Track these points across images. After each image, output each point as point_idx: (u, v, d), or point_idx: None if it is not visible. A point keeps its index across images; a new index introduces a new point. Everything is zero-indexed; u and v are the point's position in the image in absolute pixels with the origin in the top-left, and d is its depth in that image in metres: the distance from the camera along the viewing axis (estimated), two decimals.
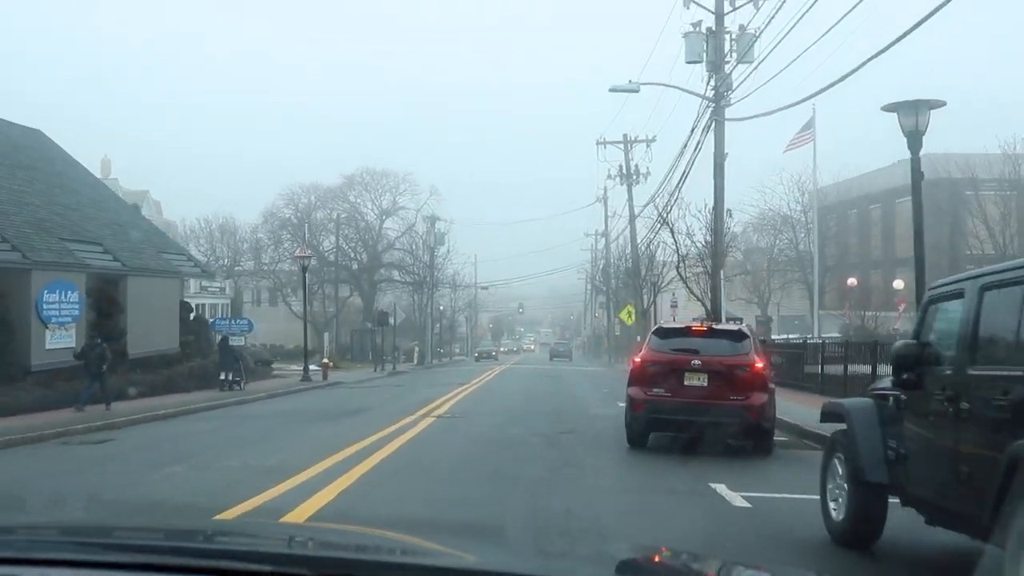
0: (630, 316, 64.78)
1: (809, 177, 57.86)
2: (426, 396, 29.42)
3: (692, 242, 34.76)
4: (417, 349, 72.84)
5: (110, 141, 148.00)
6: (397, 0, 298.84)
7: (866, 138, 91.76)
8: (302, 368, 43.67)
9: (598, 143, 58.95)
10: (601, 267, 76.93)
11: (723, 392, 15.15)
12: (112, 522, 4.37)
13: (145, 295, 31.85)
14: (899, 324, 47.85)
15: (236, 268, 75.68)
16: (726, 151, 30.34)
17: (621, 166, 58.42)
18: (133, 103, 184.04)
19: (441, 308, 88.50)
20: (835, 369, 27.93)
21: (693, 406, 15.09)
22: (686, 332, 16.66)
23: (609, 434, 18.60)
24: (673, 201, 35.38)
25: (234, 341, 40.00)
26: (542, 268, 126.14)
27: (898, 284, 49.66)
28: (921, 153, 16.97)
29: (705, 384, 15.30)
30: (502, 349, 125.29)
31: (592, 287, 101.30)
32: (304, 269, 42.49)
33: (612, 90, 30.84)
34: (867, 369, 27.08)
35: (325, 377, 42.72)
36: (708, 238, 34.45)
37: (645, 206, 48.20)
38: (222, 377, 34.28)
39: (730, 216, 34.77)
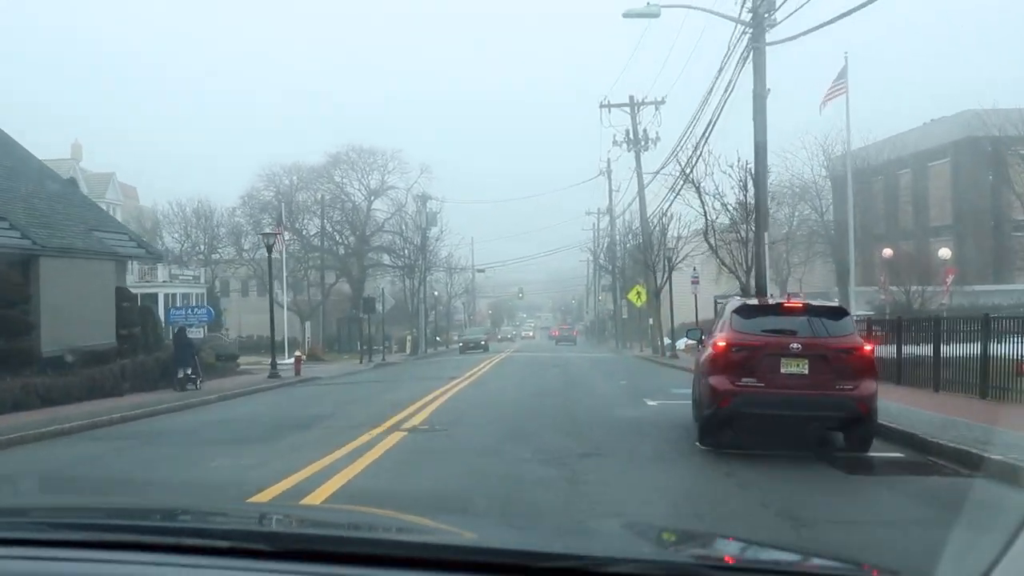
0: (639, 297, 59.02)
1: (836, 138, 52.09)
2: (406, 395, 23.66)
3: (723, 204, 28.96)
4: (410, 338, 67.05)
5: (96, 130, 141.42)
6: None
7: (889, 104, 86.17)
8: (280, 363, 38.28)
9: (602, 106, 53.15)
10: (606, 245, 70.94)
11: (828, 380, 13.05)
12: (68, 502, 4.12)
13: (66, 280, 26.07)
14: (947, 298, 42.07)
15: (214, 256, 69.79)
16: (767, 86, 24.58)
17: (628, 131, 52.54)
18: (118, 94, 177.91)
19: (436, 294, 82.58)
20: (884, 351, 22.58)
21: (793, 398, 13.05)
22: (776, 310, 14.54)
23: (647, 454, 12.98)
24: (698, 156, 29.56)
25: (192, 333, 34.39)
26: (542, 249, 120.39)
27: (944, 253, 43.86)
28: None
29: (806, 371, 13.18)
30: (499, 337, 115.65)
31: (596, 268, 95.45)
32: (270, 248, 36.67)
33: (626, 15, 25.00)
34: (925, 351, 21.78)
35: (298, 373, 36.96)
36: (743, 198, 28.68)
37: (659, 170, 42.51)
38: (179, 375, 28.82)
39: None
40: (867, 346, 13.84)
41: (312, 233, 73.65)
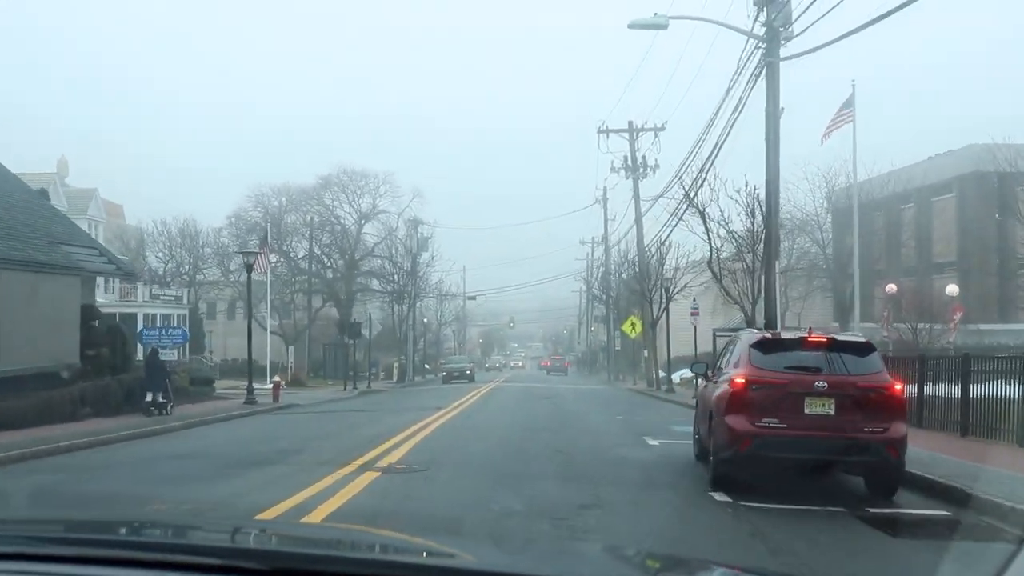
0: (634, 328, 57.21)
1: (840, 170, 50.59)
2: (386, 428, 21.78)
3: (729, 231, 27.22)
4: (397, 366, 65.05)
5: (86, 147, 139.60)
6: (363, 4, 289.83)
7: (890, 139, 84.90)
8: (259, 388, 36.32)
9: (600, 132, 51.56)
10: (600, 275, 69.25)
11: (856, 422, 12.09)
12: (62, 516, 4.13)
13: (20, 296, 24.16)
14: (954, 336, 40.30)
15: (199, 277, 67.84)
16: (781, 105, 22.92)
17: (626, 157, 50.93)
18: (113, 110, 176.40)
19: (425, 320, 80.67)
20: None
21: (818, 440, 11.99)
22: (799, 345, 13.22)
23: (656, 506, 11.27)
24: (703, 180, 27.84)
25: (165, 355, 32.51)
26: (535, 278, 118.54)
27: (951, 290, 42.13)
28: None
29: (832, 412, 12.18)
30: (486, 366, 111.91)
31: (589, 298, 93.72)
32: (249, 268, 34.88)
33: (632, 26, 23.33)
34: (948, 390, 20.01)
35: (276, 399, 34.97)
36: (750, 225, 26.97)
37: (659, 196, 40.76)
38: (148, 399, 26.94)
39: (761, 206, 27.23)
40: (897, 384, 12.66)
41: (300, 256, 71.76)
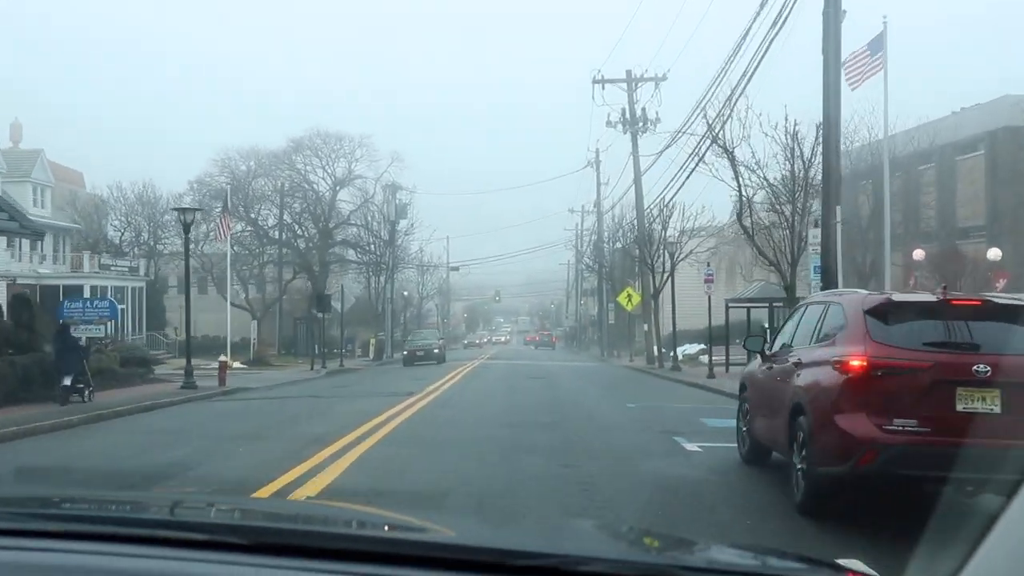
0: (630, 300, 52.06)
1: (860, 124, 45.33)
2: (335, 424, 16.55)
3: (762, 178, 21.98)
4: (374, 342, 59.74)
5: (47, 114, 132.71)
6: None
7: (910, 93, 79.11)
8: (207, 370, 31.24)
9: (595, 82, 46.17)
10: (592, 244, 63.87)
11: None
12: (49, 493, 3.96)
13: None
14: None
15: (159, 247, 62.22)
16: (843, 8, 17.68)
17: (624, 110, 45.60)
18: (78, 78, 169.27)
19: (406, 294, 75.31)
20: None
21: (978, 452, 7.74)
22: (940, 311, 8.90)
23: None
24: (729, 112, 22.55)
25: (87, 331, 27.17)
26: (522, 248, 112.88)
27: (994, 254, 37.06)
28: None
29: (998, 409, 8.21)
30: (465, 342, 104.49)
31: (579, 270, 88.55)
32: (187, 228, 29.35)
33: None
34: None
35: (222, 383, 29.65)
36: (789, 168, 21.76)
37: (673, 139, 35.44)
38: (66, 383, 21.87)
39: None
40: None
41: (271, 224, 66.19)
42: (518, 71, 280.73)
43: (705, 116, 23.98)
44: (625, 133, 45.50)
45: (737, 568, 2.36)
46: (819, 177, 22.81)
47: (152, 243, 62.20)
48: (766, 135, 21.27)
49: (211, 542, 2.15)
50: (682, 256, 39.32)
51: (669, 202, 40.20)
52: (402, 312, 75.23)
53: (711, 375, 31.00)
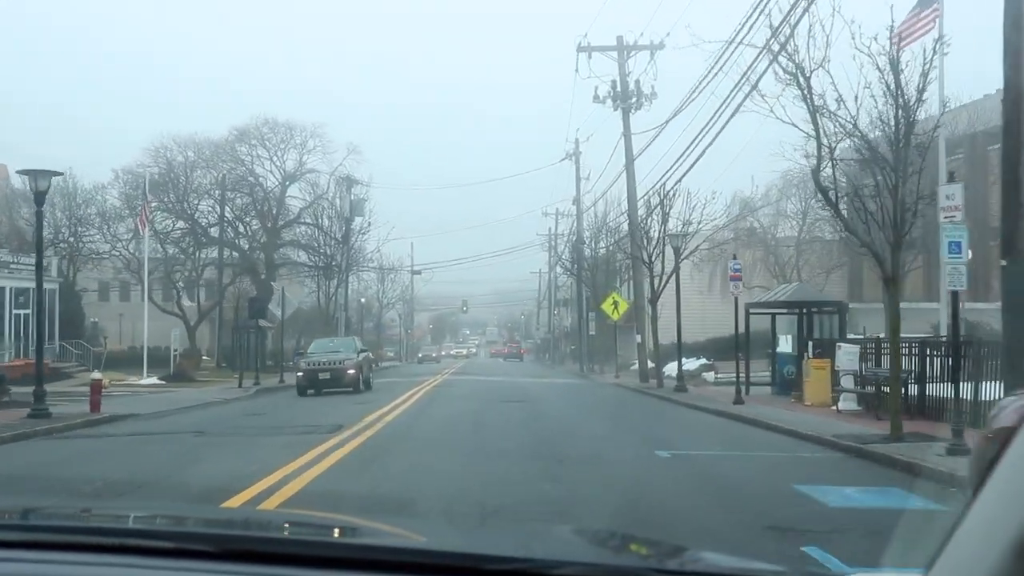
0: (616, 308, 44.76)
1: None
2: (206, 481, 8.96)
3: (852, 120, 14.62)
4: None
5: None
6: None
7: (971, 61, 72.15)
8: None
9: (580, 49, 38.86)
10: (569, 244, 56.47)
11: None
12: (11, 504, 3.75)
13: None
14: None
15: (80, 244, 54.07)
16: None
17: (614, 82, 38.31)
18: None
19: (363, 300, 67.54)
20: None
21: None
22: None
23: None
24: (796, 24, 15.27)
25: None
26: (491, 253, 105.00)
27: None
28: None
29: None
30: (420, 355, 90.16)
31: (552, 276, 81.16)
32: (39, 197, 21.47)
33: None
34: None
35: (95, 409, 21.84)
36: (893, 106, 14.43)
37: (680, 108, 28.27)
38: None
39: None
40: None
41: (211, 222, 58.23)
42: (489, 57, 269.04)
43: (770, 23, 16.57)
44: (615, 110, 38.21)
45: (713, 570, 2.32)
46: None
47: (73, 240, 54.03)
48: (857, 49, 13.95)
49: (179, 550, 2.14)
50: (688, 253, 32.09)
51: (672, 189, 33.01)
52: (359, 321, 67.47)
53: (738, 399, 23.69)
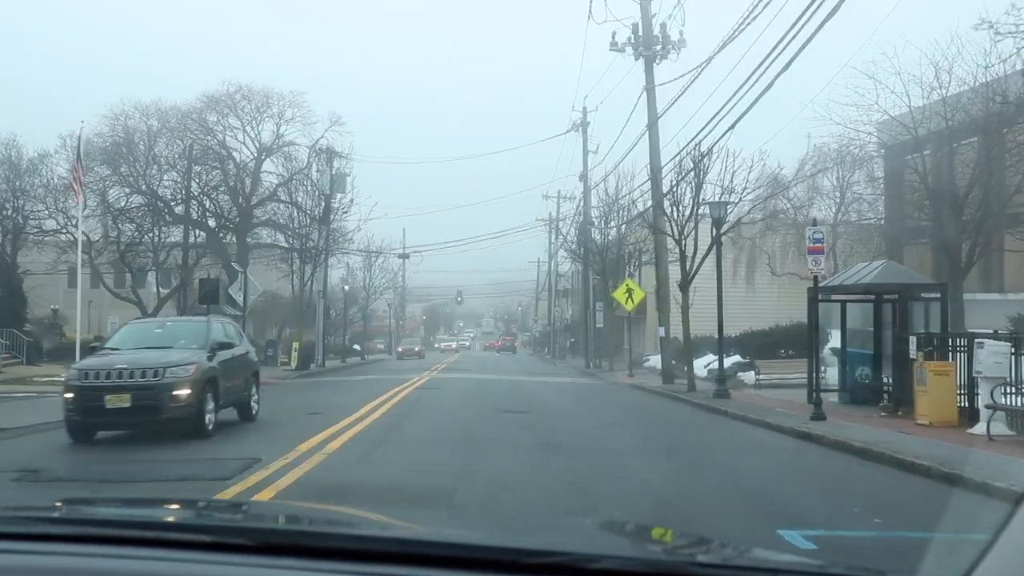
0: (630, 297, 38.42)
1: (953, 58, 31.99)
2: None
3: None
4: (297, 347, 45.32)
5: None
6: None
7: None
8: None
9: None
10: (575, 224, 49.85)
11: None
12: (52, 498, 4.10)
13: None
14: None
15: (23, 220, 47.40)
16: None
17: (635, 26, 31.77)
18: None
19: (347, 288, 60.92)
20: None
21: None
22: None
23: None
24: None
25: None
26: (487, 245, 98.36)
27: None
28: None
29: None
30: (399, 349, 73.93)
31: (552, 266, 74.66)
32: None
33: None
34: None
35: None
36: None
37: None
38: None
39: None
40: None
41: (176, 199, 51.56)
42: (485, 13, 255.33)
43: None
44: (636, 58, 31.65)
45: (749, 564, 2.29)
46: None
47: (18, 217, 47.40)
48: None
49: (217, 544, 2.15)
50: (729, 226, 25.68)
51: (710, 150, 26.51)
52: (343, 310, 60.85)
53: (818, 414, 17.26)
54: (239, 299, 36.03)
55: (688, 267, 27.09)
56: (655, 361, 45.65)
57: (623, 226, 42.57)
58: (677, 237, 27.10)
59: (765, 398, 24.60)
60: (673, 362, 36.55)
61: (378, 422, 17.27)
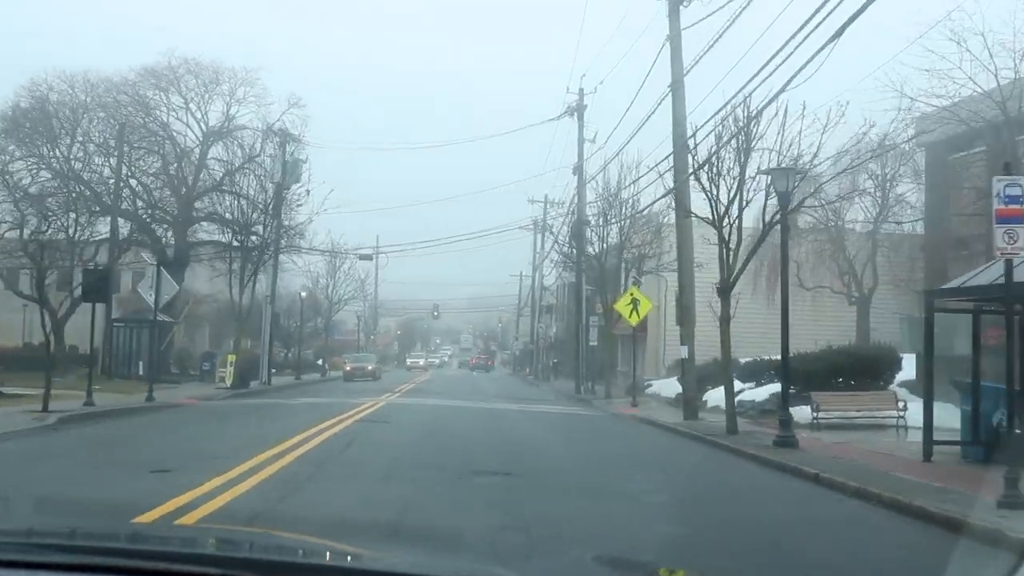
0: (635, 311, 31.02)
1: None
2: None
3: None
4: (233, 361, 37.38)
5: None
6: None
7: None
8: None
9: None
10: (568, 224, 42.20)
11: None
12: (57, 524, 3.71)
13: None
14: None
15: None
16: None
17: None
18: None
19: (303, 295, 53.01)
20: None
21: None
22: None
23: None
24: None
25: None
26: (467, 252, 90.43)
27: None
28: None
29: None
30: (348, 367, 55.22)
31: (536, 278, 67.16)
32: None
33: None
34: None
35: None
36: None
37: None
38: None
39: None
40: None
41: (95, 179, 43.67)
42: None
43: None
44: None
45: None
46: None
47: None
48: None
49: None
50: (800, 201, 18.20)
51: (761, 111, 19.03)
52: (297, 320, 52.90)
53: (1012, 496, 9.71)
54: (150, 299, 28.26)
55: (731, 262, 19.55)
56: (659, 387, 38.19)
57: (627, 223, 35.05)
58: (716, 222, 19.55)
59: (844, 447, 17.11)
60: (749, 391, 28.98)
61: (242, 500, 9.57)
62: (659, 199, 27.01)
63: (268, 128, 44.43)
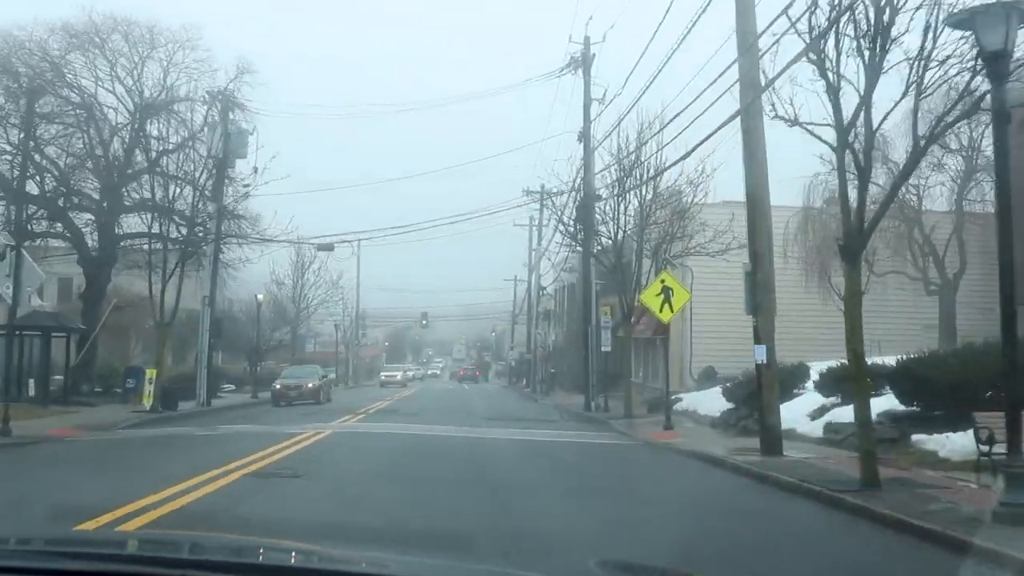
0: (667, 303, 23.03)
1: None
2: None
3: None
4: (153, 377, 29.27)
5: None
6: None
7: None
8: None
9: None
10: (573, 203, 34.01)
11: None
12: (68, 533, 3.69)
13: None
14: None
15: None
16: None
17: None
18: None
19: (260, 297, 44.74)
20: None
21: None
22: None
23: None
24: None
25: None
26: (459, 257, 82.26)
27: None
28: None
29: None
30: (278, 384, 40.16)
31: (534, 278, 59.17)
32: None
33: None
34: None
35: None
36: None
37: None
38: None
39: None
40: None
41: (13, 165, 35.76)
42: None
43: None
44: None
45: None
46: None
47: None
48: None
49: None
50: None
51: None
52: (253, 328, 44.58)
53: None
54: (5, 291, 20.21)
55: (859, 204, 11.56)
56: (691, 402, 30.21)
57: (647, 194, 27.11)
58: (840, 130, 11.54)
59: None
60: (732, 406, 21.26)
61: None
62: (720, 96, 18.31)
63: (211, 95, 36.38)
